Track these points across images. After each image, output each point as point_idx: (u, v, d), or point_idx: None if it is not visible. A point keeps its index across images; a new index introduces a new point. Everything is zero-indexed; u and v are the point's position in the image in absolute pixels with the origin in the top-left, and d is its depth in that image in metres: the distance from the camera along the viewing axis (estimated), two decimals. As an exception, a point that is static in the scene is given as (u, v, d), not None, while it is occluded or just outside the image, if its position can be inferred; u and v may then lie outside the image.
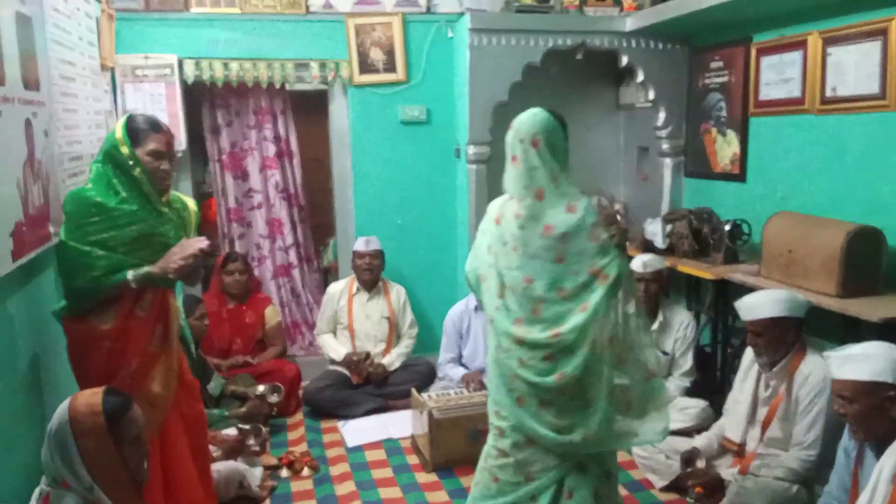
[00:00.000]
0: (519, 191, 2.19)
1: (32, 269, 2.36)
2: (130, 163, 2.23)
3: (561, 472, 2.23)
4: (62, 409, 1.80)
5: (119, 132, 2.25)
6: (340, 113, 4.36)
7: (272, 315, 4.22)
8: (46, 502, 1.77)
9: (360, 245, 4.14)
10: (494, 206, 2.32)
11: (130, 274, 2.20)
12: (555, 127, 2.19)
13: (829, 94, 3.23)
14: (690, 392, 3.61)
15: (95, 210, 2.19)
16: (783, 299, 2.68)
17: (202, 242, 2.30)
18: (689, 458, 2.95)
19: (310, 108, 5.11)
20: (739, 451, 2.86)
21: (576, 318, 2.13)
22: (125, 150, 2.23)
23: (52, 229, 2.51)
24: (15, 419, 2.11)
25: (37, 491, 1.81)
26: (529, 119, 2.20)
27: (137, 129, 2.26)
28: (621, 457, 3.32)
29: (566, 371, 2.13)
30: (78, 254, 2.16)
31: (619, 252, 2.17)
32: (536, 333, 2.15)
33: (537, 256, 2.16)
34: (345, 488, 3.11)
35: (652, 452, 3.10)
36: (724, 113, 4.01)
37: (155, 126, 2.31)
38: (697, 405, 3.45)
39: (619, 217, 2.68)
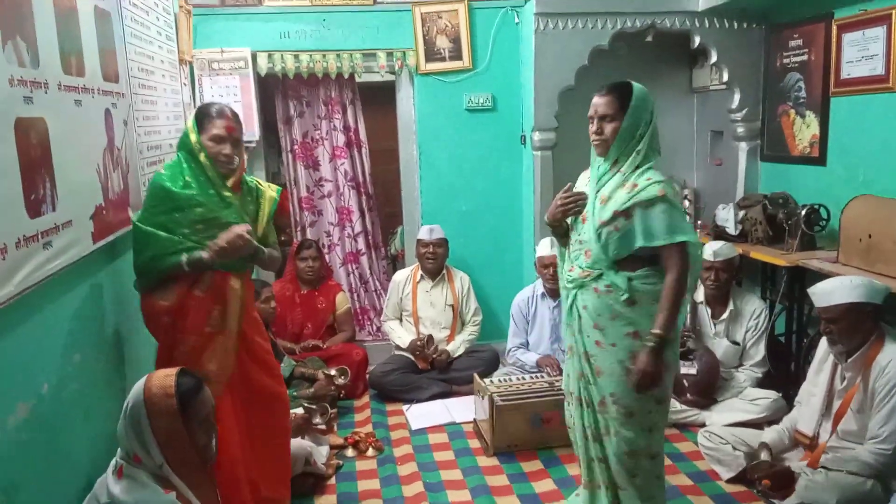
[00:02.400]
0: None
1: (114, 251, 2.51)
2: (196, 148, 2.38)
3: None
4: (137, 388, 1.90)
5: (189, 120, 2.42)
6: (407, 102, 4.41)
7: (342, 301, 4.32)
8: (120, 475, 1.87)
9: (423, 234, 4.18)
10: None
11: (184, 257, 2.31)
12: None
13: (916, 70, 3.05)
14: (763, 383, 3.49)
15: (162, 194, 2.35)
16: (859, 284, 2.56)
17: (243, 228, 2.38)
18: (754, 455, 2.84)
19: (382, 99, 5.18)
20: (812, 445, 2.75)
21: None
22: (193, 136, 2.39)
23: (131, 214, 2.65)
24: (96, 390, 2.25)
25: (113, 462, 1.92)
26: None
27: (203, 116, 2.42)
28: (687, 447, 3.28)
29: None
30: (141, 233, 2.32)
31: None
32: None
33: None
34: (407, 469, 3.17)
35: (718, 443, 3.01)
36: (802, 93, 3.83)
37: (219, 112, 2.42)
38: (768, 396, 3.34)
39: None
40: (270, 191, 2.63)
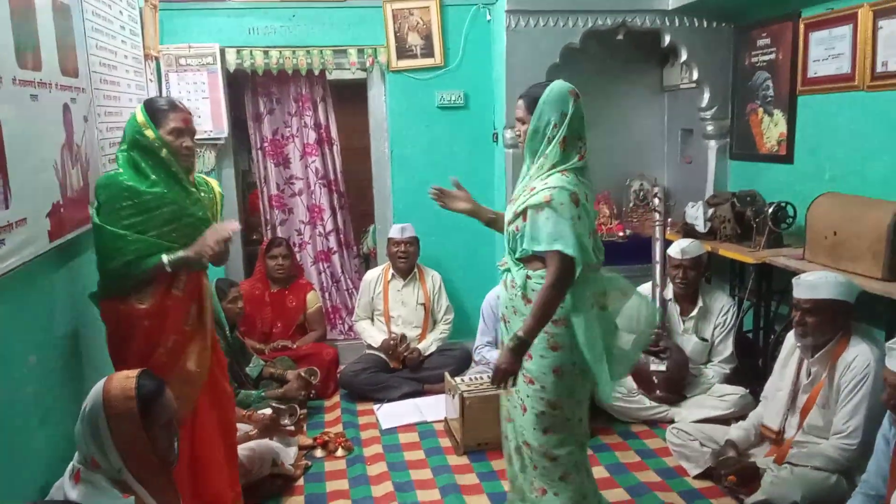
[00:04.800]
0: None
1: (72, 250, 2.45)
2: (156, 144, 2.28)
3: None
4: (96, 391, 1.84)
5: (140, 116, 2.29)
6: (378, 99, 4.38)
7: (313, 300, 4.28)
8: (77, 479, 1.82)
9: (394, 233, 4.15)
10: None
11: (165, 258, 2.25)
12: None
13: (879, 69, 3.08)
14: (731, 379, 3.52)
15: (128, 194, 2.25)
16: (844, 283, 2.60)
17: (233, 225, 2.38)
18: (721, 452, 2.87)
19: (354, 97, 5.15)
20: (777, 439, 2.78)
21: None
22: (150, 133, 2.28)
23: (92, 211, 2.59)
24: (52, 392, 2.20)
25: (69, 466, 1.87)
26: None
27: (156, 111, 2.31)
28: (656, 444, 3.29)
29: None
30: (113, 237, 2.23)
31: None
32: None
33: None
34: (376, 469, 3.14)
35: (686, 440, 3.03)
36: (770, 92, 3.87)
37: (172, 105, 2.35)
38: (736, 392, 3.37)
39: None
40: (217, 187, 2.59)
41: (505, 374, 2.21)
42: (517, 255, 2.29)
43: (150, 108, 2.33)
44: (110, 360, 2.37)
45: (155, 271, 2.26)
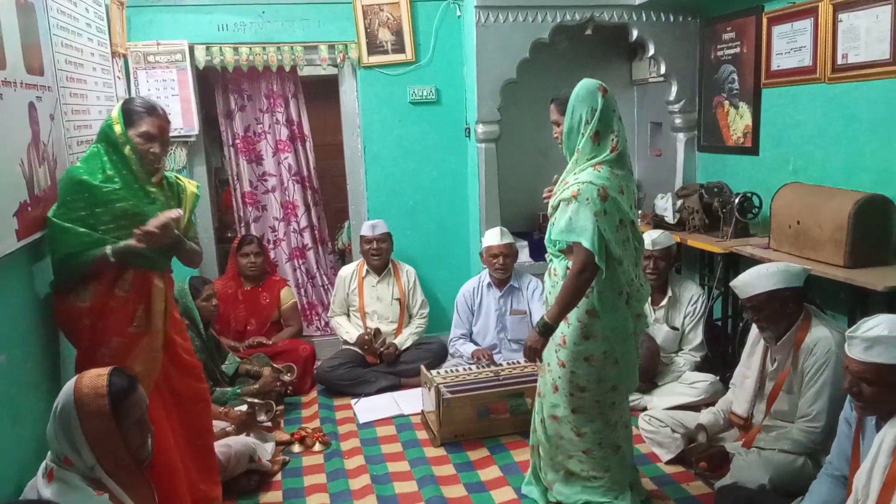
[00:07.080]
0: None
1: (42, 249, 2.42)
2: (121, 141, 2.33)
3: None
4: (67, 388, 1.84)
5: (115, 112, 2.36)
6: (350, 95, 4.38)
7: (287, 296, 4.28)
8: (50, 478, 1.82)
9: (366, 230, 4.16)
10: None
11: (108, 248, 2.27)
12: None
13: (840, 61, 3.16)
14: (701, 367, 3.59)
15: (79, 187, 2.28)
16: (775, 271, 2.64)
17: (173, 213, 2.37)
18: (692, 436, 2.94)
19: (326, 93, 5.14)
20: (746, 426, 2.84)
21: None
22: (118, 128, 2.34)
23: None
24: (24, 391, 2.18)
25: (42, 465, 1.87)
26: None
27: (132, 111, 2.36)
28: (628, 431, 3.34)
29: None
30: (59, 230, 2.26)
31: None
32: None
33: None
34: (354, 462, 3.16)
35: (658, 427, 3.09)
36: (736, 85, 3.94)
37: (150, 109, 2.38)
38: (706, 379, 3.44)
39: None
40: (191, 186, 2.60)
41: (532, 352, 2.43)
42: (556, 247, 2.46)
43: (127, 106, 2.38)
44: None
45: (99, 263, 2.27)
